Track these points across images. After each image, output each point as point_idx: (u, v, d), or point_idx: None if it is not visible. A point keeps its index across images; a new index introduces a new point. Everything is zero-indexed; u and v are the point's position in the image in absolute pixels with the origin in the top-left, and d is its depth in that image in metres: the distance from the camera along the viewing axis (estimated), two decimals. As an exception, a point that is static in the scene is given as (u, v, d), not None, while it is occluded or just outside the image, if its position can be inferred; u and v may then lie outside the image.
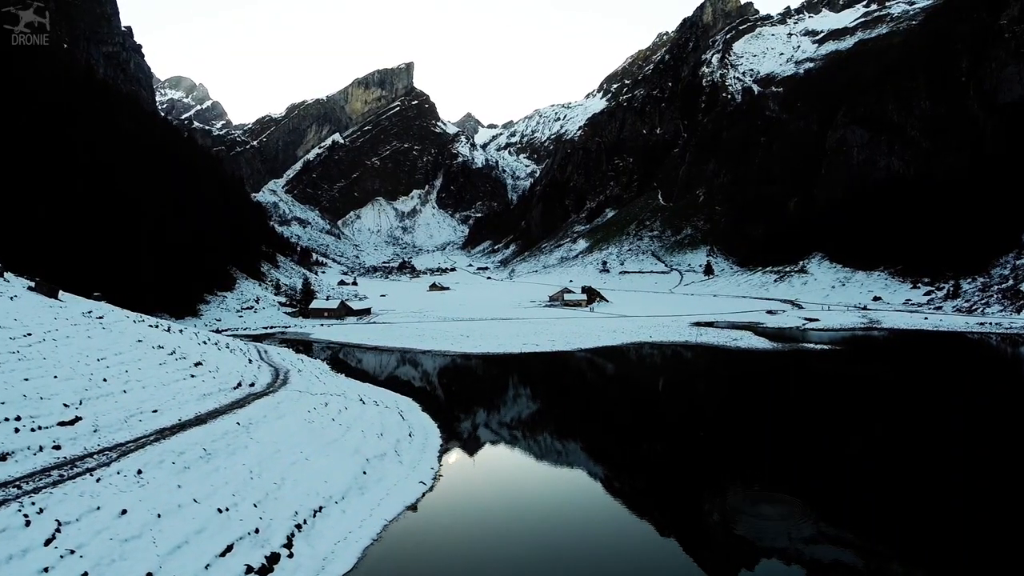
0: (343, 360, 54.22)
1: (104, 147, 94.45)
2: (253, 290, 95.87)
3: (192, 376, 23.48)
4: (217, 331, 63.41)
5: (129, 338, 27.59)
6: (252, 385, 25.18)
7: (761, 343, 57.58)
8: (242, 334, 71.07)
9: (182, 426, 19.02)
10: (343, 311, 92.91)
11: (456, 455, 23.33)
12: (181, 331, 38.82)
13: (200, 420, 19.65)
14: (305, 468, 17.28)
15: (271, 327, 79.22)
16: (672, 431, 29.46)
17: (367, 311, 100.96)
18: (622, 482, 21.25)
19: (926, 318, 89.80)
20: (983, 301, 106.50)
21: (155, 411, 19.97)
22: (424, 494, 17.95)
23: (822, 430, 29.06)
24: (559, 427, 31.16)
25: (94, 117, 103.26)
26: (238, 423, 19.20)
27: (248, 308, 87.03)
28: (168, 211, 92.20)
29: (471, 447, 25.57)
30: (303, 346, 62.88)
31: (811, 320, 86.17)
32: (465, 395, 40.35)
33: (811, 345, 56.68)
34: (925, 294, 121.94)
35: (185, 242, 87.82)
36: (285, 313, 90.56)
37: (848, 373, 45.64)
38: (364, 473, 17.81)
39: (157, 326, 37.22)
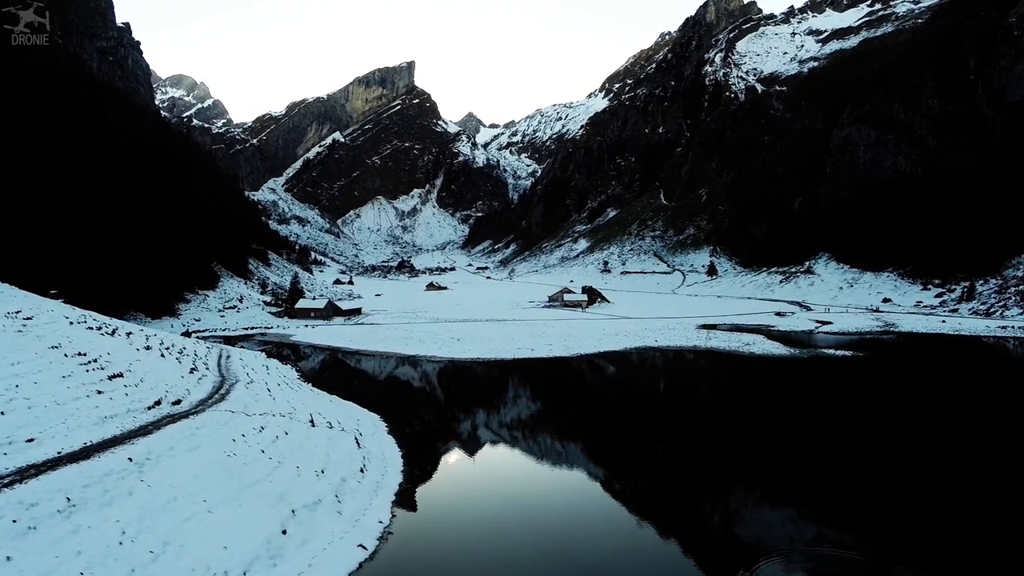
0: (315, 366, 49.80)
1: (85, 138, 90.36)
2: (237, 288, 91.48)
3: (99, 392, 19.14)
4: (188, 333, 59.14)
5: (42, 344, 23.22)
6: (177, 403, 20.81)
7: (776, 348, 53.00)
8: (219, 335, 66.78)
9: (57, 462, 14.64)
10: (330, 311, 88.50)
11: (418, 499, 18.28)
12: (129, 334, 34.51)
13: (85, 453, 15.27)
14: (203, 525, 12.90)
15: (252, 328, 74.84)
16: (697, 463, 24.93)
17: (357, 311, 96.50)
18: (635, 543, 16.41)
19: (943, 321, 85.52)
20: (1000, 303, 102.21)
21: (30, 440, 15.59)
22: (361, 565, 13.33)
23: (854, 447, 24.74)
24: (553, 457, 25.95)
25: (77, 107, 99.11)
26: (130, 459, 14.81)
27: (231, 307, 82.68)
28: (151, 205, 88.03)
29: (439, 486, 20.56)
30: (279, 349, 58.48)
31: (823, 323, 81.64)
32: (444, 411, 35.08)
33: (831, 351, 51.96)
34: (937, 296, 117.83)
35: (167, 238, 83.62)
36: (270, 313, 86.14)
37: (877, 383, 41.11)
38: (284, 532, 13.41)
39: (100, 328, 32.89)
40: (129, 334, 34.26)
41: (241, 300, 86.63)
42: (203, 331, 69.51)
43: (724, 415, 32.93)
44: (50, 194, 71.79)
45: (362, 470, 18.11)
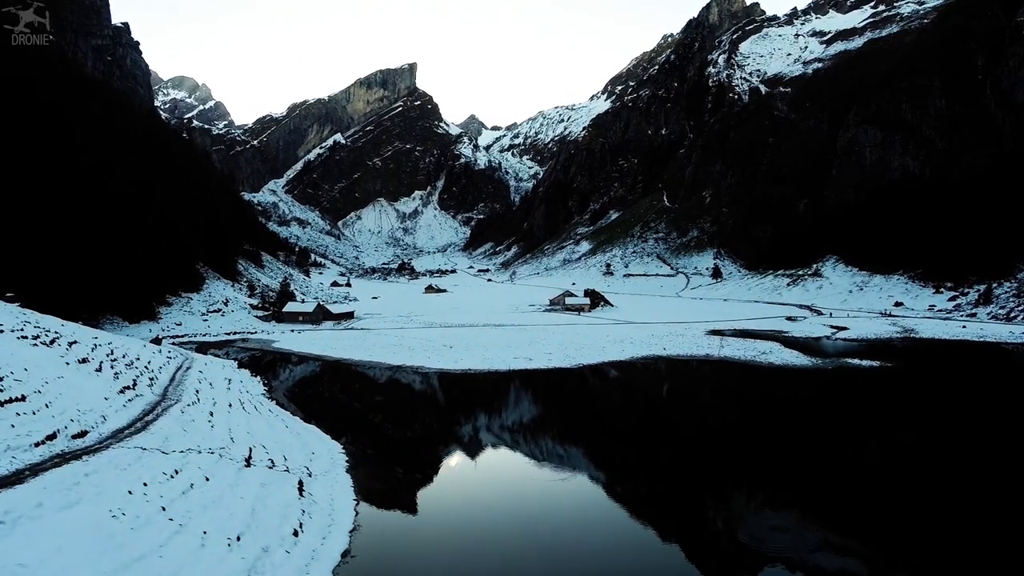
0: (288, 378, 45.70)
1: (82, 137, 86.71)
2: (223, 291, 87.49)
3: (-22, 424, 15.26)
4: (158, 339, 55.05)
5: (-64, 359, 19.32)
6: (80, 435, 16.86)
7: (795, 358, 48.74)
8: (197, 341, 62.90)
9: None
10: (320, 315, 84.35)
11: (366, 572, 13.86)
12: (72, 344, 30.51)
13: (-85, 517, 11.29)
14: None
15: (234, 333, 70.73)
16: (732, 503, 20.85)
17: (348, 315, 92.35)
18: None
19: (964, 326, 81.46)
20: (1020, 308, 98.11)
21: None
22: None
23: (907, 476, 20.66)
24: (551, 506, 20.21)
25: (62, 103, 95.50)
26: (-30, 526, 10.88)
27: (215, 311, 78.71)
28: (134, 205, 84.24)
29: (395, 554, 15.40)
30: (255, 357, 54.53)
31: (838, 328, 77.40)
32: (421, 438, 29.72)
33: (855, 361, 47.59)
34: (950, 299, 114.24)
35: (150, 239, 79.77)
36: (256, 317, 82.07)
37: (913, 398, 36.94)
38: (152, 647, 9.51)
39: (38, 337, 28.95)
40: (72, 344, 30.31)
41: (227, 303, 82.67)
42: (181, 336, 65.58)
43: (756, 443, 28.06)
44: (24, 193, 68.03)
45: (296, 532, 14.09)
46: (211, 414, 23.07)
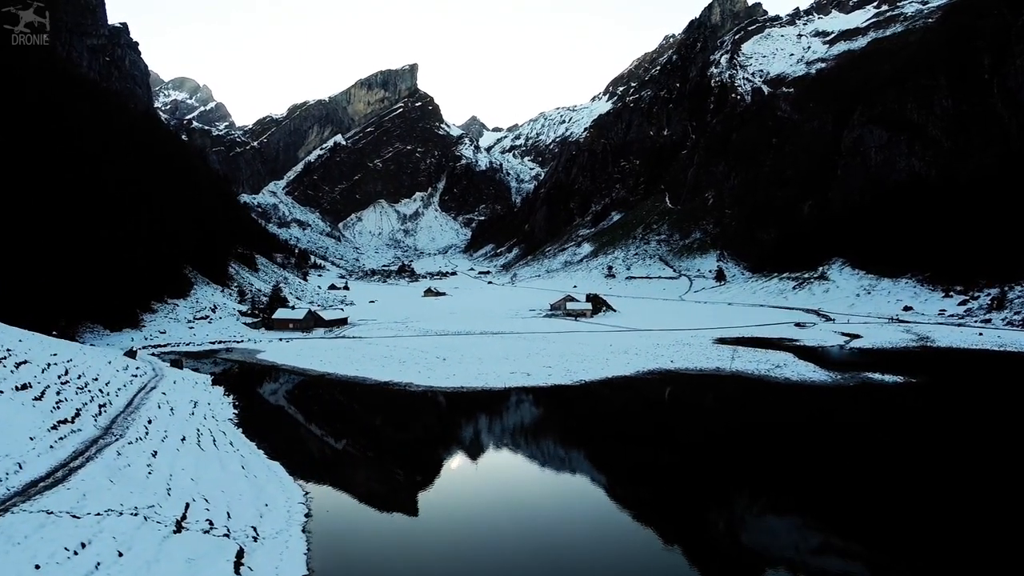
0: (265, 397, 42.56)
1: (61, 130, 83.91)
2: (211, 296, 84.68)
3: None
4: (132, 352, 51.90)
5: None
6: (-23, 494, 14.04)
7: (812, 372, 45.56)
8: (179, 351, 60.05)
9: None
10: (311, 322, 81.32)
11: None
12: (20, 364, 27.52)
13: None
14: None
15: (219, 342, 67.69)
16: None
17: (341, 321, 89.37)
18: None
19: (980, 334, 78.57)
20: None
21: None
22: None
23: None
24: None
25: (49, 99, 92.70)
26: None
27: (202, 318, 75.88)
28: (121, 207, 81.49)
29: None
30: (236, 371, 51.56)
31: (851, 336, 74.30)
32: (398, 480, 25.69)
33: (877, 375, 44.20)
34: (960, 303, 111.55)
35: (135, 242, 76.91)
36: (245, 323, 79.09)
37: (955, 424, 33.58)
38: None
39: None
40: (21, 364, 27.38)
41: (214, 310, 79.82)
42: (164, 345, 62.73)
43: (789, 483, 24.26)
44: (22, 194, 65.03)
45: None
46: (154, 454, 20.07)
